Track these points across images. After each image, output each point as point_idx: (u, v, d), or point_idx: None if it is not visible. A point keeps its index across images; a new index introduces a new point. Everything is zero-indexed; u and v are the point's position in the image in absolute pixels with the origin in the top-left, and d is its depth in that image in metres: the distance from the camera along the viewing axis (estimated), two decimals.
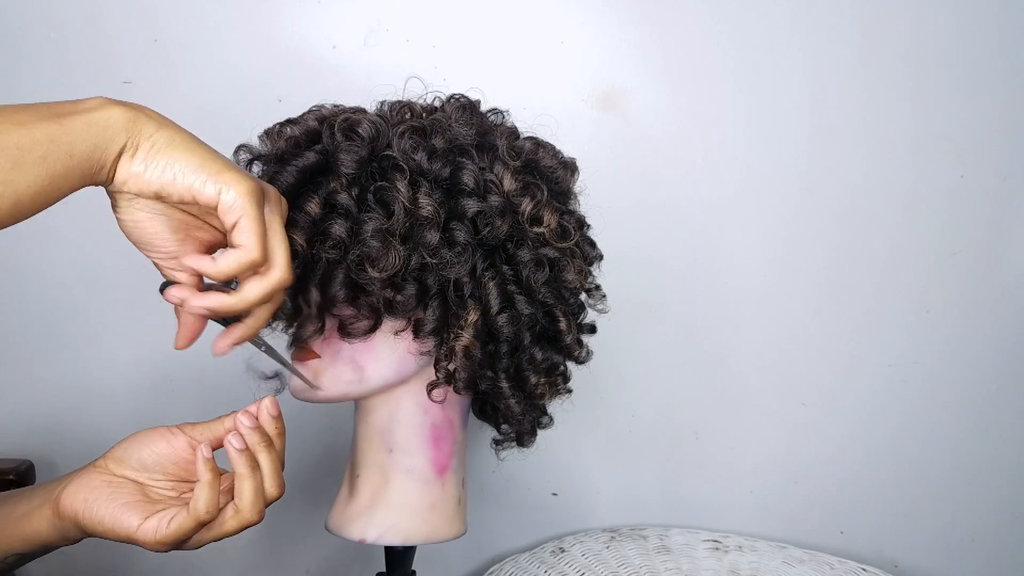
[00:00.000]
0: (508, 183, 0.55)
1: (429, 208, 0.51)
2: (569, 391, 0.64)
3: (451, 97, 0.61)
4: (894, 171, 0.92)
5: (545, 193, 0.56)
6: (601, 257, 0.65)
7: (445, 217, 0.52)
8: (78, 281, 0.86)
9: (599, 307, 0.65)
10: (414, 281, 0.53)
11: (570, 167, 0.62)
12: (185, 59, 0.84)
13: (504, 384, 0.57)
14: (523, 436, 0.64)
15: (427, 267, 0.52)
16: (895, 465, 0.98)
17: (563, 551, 0.91)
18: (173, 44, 0.83)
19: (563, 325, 0.58)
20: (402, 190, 0.51)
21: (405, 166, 0.52)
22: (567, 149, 0.63)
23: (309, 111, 0.58)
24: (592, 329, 0.65)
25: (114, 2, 0.82)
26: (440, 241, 0.52)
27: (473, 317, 0.54)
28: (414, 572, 0.66)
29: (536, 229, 0.55)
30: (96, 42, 0.82)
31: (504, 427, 0.65)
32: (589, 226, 0.64)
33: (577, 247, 0.58)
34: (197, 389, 0.89)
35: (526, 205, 0.55)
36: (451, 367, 0.56)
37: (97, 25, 0.82)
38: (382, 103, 0.61)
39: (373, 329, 0.55)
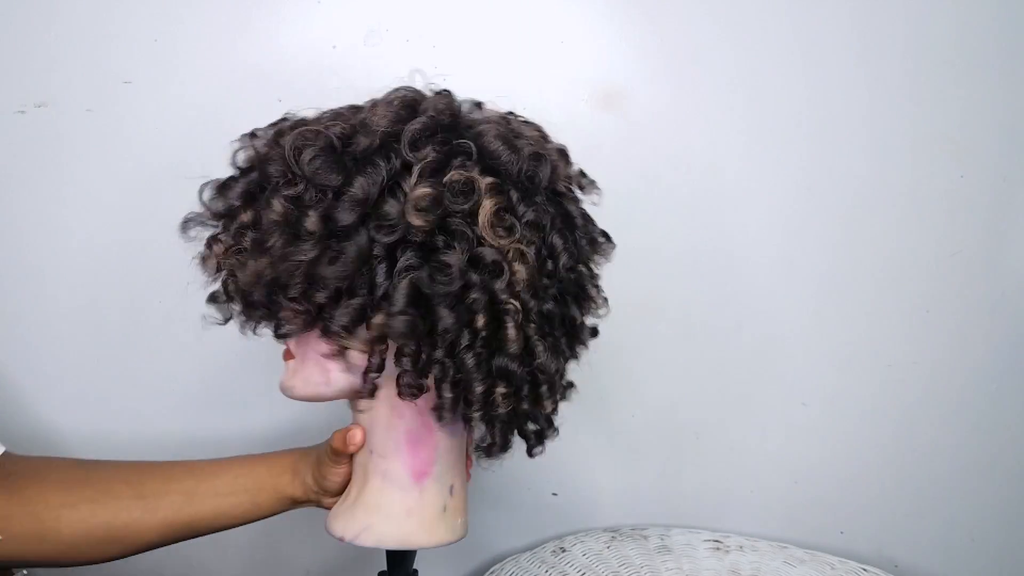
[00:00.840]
0: (414, 179, 0.51)
1: (279, 214, 0.52)
2: (555, 401, 0.59)
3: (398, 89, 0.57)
4: (894, 171, 0.92)
5: (481, 188, 0.52)
6: (577, 257, 0.58)
7: (332, 227, 0.51)
8: (77, 281, 0.86)
9: (599, 312, 0.61)
10: (304, 292, 0.52)
11: (539, 155, 0.55)
12: (185, 59, 0.84)
13: (447, 394, 0.53)
14: (492, 448, 0.59)
15: (308, 277, 0.52)
16: (895, 465, 0.98)
17: (564, 551, 0.91)
18: (173, 44, 0.83)
19: (511, 332, 0.52)
20: (275, 204, 0.52)
21: (285, 171, 0.53)
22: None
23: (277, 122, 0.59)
24: (594, 332, 0.62)
25: (114, 2, 0.82)
26: (322, 251, 0.51)
27: (378, 319, 0.51)
28: (415, 572, 0.66)
29: (472, 229, 0.51)
30: (96, 42, 0.82)
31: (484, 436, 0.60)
32: (584, 221, 0.59)
33: (524, 246, 0.53)
34: (195, 388, 0.89)
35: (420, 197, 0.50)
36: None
37: (97, 25, 0.82)
38: (347, 106, 0.60)
39: (303, 330, 0.55)
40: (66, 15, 0.82)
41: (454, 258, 0.51)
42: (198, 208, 0.59)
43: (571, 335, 0.60)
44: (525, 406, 0.56)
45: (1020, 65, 0.91)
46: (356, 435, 0.60)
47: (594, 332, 0.63)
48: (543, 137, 0.60)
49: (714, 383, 0.96)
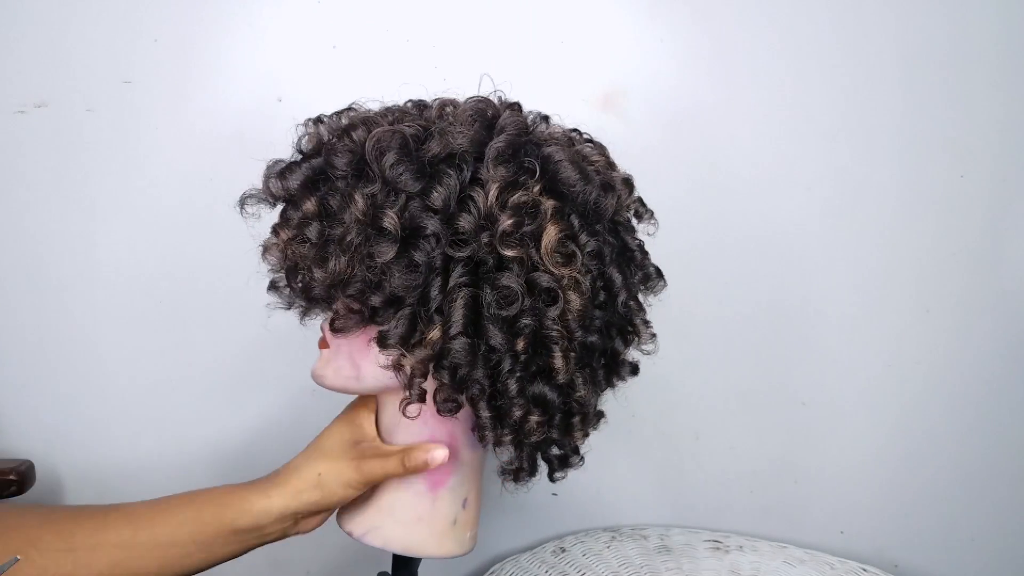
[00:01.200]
0: (491, 197, 0.50)
1: (363, 216, 0.50)
2: (585, 433, 0.58)
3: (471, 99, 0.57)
4: (894, 171, 0.92)
5: (546, 211, 0.50)
6: (635, 290, 0.58)
7: (407, 232, 0.50)
8: (78, 281, 0.86)
9: (645, 348, 0.59)
10: (362, 292, 0.51)
11: (609, 186, 0.55)
12: (185, 59, 0.84)
13: (485, 413, 0.52)
14: (519, 473, 0.58)
15: (369, 280, 0.51)
16: (895, 465, 0.98)
17: (564, 551, 0.91)
18: (173, 44, 0.83)
19: (558, 362, 0.51)
20: (357, 200, 0.50)
21: (355, 165, 0.52)
22: None
23: (348, 109, 0.58)
24: (634, 369, 0.60)
25: (114, 2, 0.82)
26: (396, 255, 0.50)
27: (434, 335, 0.50)
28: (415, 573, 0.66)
29: (532, 253, 0.50)
30: (96, 42, 0.82)
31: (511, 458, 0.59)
32: (641, 255, 0.59)
33: (581, 276, 0.52)
34: (196, 389, 0.89)
35: (505, 222, 0.49)
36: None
37: (97, 25, 0.82)
38: (408, 102, 0.60)
39: (356, 328, 0.54)
40: (66, 15, 0.82)
41: (514, 281, 0.49)
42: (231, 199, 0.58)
43: (610, 368, 0.59)
44: (555, 435, 0.56)
45: (1020, 64, 0.91)
46: (438, 456, 0.56)
47: (634, 369, 0.61)
48: (609, 164, 0.59)
49: (714, 383, 0.96)
